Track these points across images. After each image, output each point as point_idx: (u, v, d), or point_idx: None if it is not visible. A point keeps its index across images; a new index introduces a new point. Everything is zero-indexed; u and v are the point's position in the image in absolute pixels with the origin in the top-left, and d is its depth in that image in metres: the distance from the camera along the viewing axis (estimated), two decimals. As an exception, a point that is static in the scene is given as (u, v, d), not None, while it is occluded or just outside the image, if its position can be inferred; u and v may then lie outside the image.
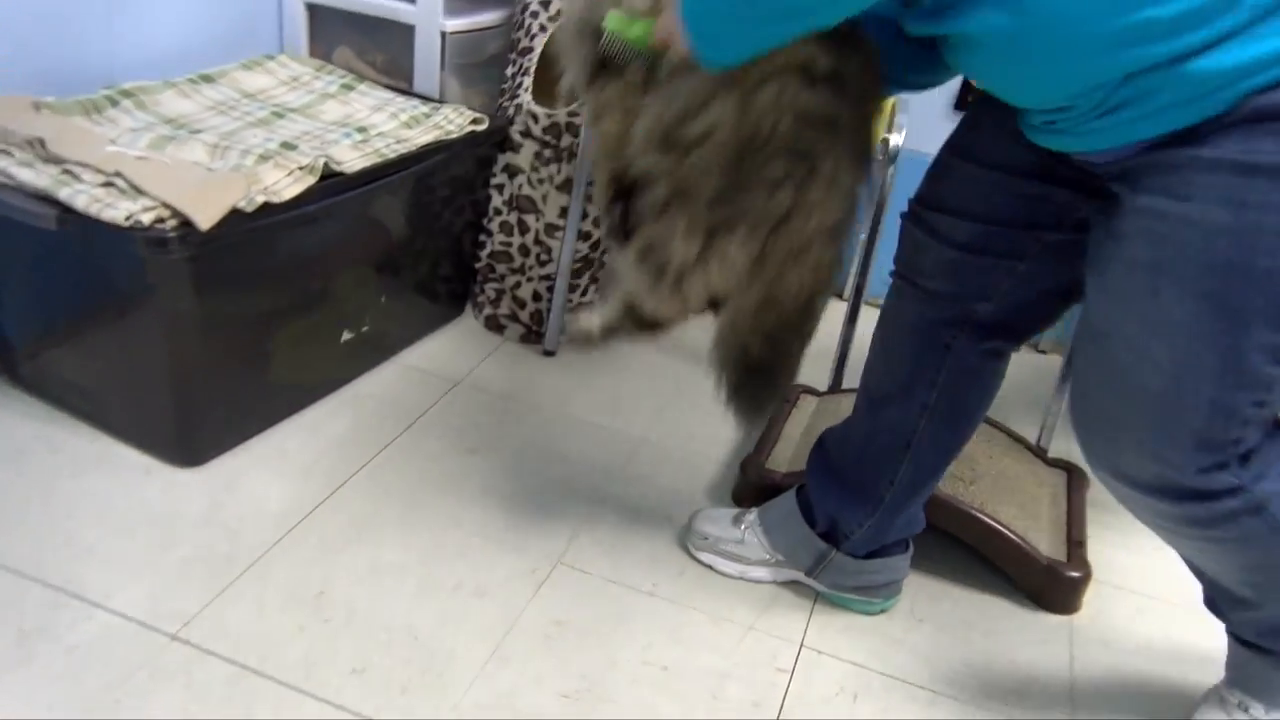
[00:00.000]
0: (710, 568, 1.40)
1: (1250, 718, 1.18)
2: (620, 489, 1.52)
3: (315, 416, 1.58)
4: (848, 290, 1.79)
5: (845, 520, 1.32)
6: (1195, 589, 1.19)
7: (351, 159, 1.49)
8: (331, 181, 1.45)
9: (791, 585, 1.38)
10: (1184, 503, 1.00)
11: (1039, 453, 1.66)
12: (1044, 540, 1.44)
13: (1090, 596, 1.42)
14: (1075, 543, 1.45)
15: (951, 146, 1.19)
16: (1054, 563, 1.40)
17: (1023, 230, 1.12)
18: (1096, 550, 1.49)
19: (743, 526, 1.40)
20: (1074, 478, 1.60)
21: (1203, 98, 0.86)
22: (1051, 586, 1.41)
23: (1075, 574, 1.40)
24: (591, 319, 1.22)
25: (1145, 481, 1.01)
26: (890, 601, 1.38)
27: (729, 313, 1.12)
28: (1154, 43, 0.84)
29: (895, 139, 1.69)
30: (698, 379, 1.80)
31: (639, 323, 1.19)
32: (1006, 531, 1.40)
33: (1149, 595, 1.47)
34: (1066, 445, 1.70)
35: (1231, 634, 1.19)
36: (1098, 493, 1.61)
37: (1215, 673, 1.23)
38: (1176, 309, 0.91)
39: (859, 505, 1.30)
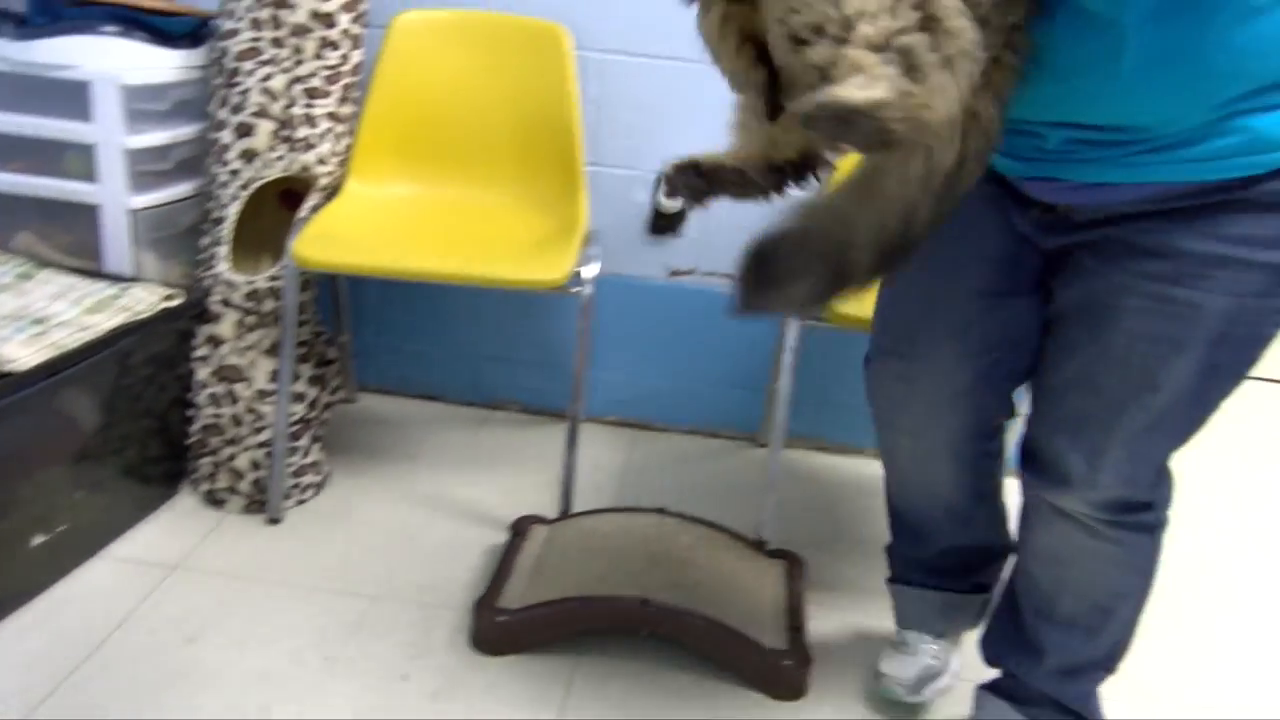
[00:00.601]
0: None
1: None
2: (351, 651, 1.49)
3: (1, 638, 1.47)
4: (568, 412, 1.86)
5: None
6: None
7: (24, 355, 1.43)
8: (1, 382, 1.39)
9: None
10: (1115, 510, 1.17)
11: (758, 545, 1.76)
12: (766, 632, 1.53)
13: (816, 677, 1.51)
14: (794, 629, 1.54)
15: (901, 278, 1.23)
16: (776, 653, 1.49)
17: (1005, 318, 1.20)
18: (821, 632, 1.59)
19: None
20: (792, 566, 1.71)
21: (1251, 155, 0.93)
22: (777, 676, 1.48)
23: (795, 661, 1.49)
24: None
25: (1108, 499, 1.16)
26: None
27: (917, 161, 0.92)
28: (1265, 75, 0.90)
29: (587, 270, 1.78)
30: (431, 527, 1.82)
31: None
32: (727, 630, 1.48)
33: (871, 669, 1.57)
34: (786, 533, 1.82)
35: (999, 691, 1.37)
36: (817, 576, 1.74)
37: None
38: (1184, 375, 1.05)
39: None
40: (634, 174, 2.06)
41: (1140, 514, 1.20)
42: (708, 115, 2.02)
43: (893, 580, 1.52)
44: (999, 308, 1.22)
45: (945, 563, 1.47)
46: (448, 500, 1.90)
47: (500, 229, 1.88)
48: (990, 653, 1.42)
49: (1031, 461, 1.23)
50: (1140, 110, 0.95)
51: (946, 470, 1.36)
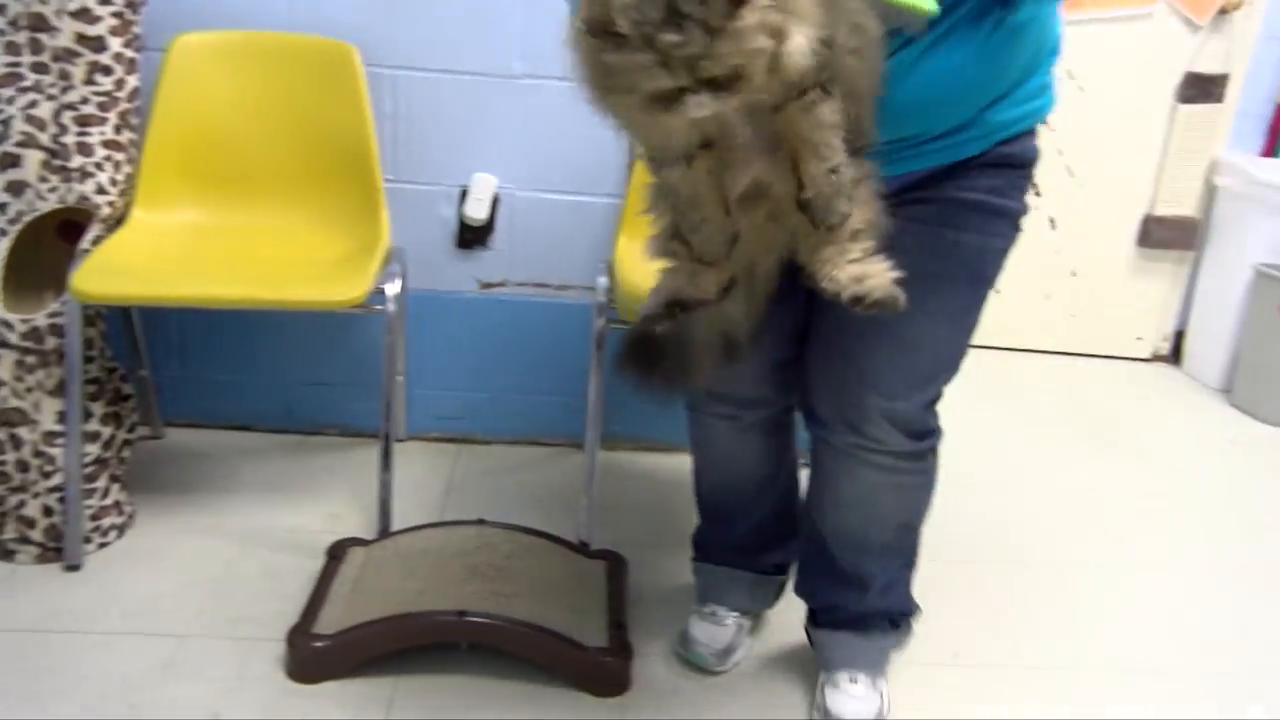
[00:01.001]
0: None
1: (870, 689, 1.48)
2: (158, 695, 1.44)
3: None
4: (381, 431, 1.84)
5: None
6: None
7: None
8: None
9: None
10: (913, 440, 1.34)
11: (581, 548, 1.79)
12: (588, 632, 1.55)
13: (637, 670, 1.55)
14: (616, 626, 1.57)
15: None
16: (597, 650, 1.51)
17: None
18: (639, 626, 1.63)
19: None
20: (614, 564, 1.74)
21: (986, 137, 1.21)
22: (598, 673, 1.51)
23: (616, 657, 1.52)
24: None
25: (904, 431, 1.32)
26: None
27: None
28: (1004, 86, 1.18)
29: (391, 287, 1.77)
30: (246, 560, 1.77)
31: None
32: (546, 634, 1.49)
33: (687, 659, 1.61)
34: (611, 534, 1.85)
35: (836, 625, 1.50)
36: (642, 573, 1.78)
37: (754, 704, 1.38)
38: (952, 306, 1.29)
39: None
40: (438, 189, 2.05)
41: (927, 440, 1.37)
42: (506, 127, 2.05)
43: (700, 559, 1.60)
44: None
45: (750, 541, 1.57)
46: (264, 531, 1.85)
47: (296, 251, 1.85)
48: (817, 599, 1.53)
49: (830, 413, 1.34)
50: (916, 125, 1.19)
51: (761, 442, 1.48)
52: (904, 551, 1.50)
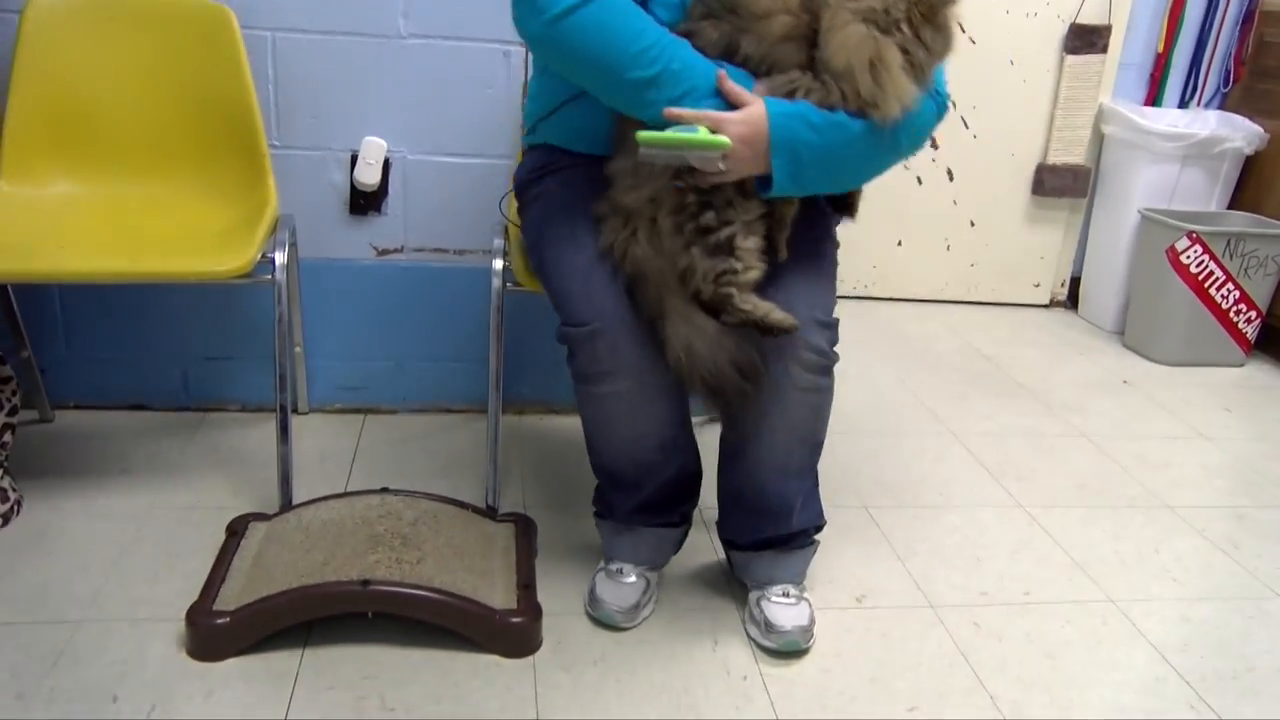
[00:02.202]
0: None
1: (800, 599, 1.55)
2: (50, 684, 1.39)
3: None
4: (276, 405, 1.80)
5: None
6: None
7: None
8: None
9: None
10: (827, 357, 1.43)
11: (489, 512, 1.78)
12: (496, 594, 1.54)
13: (549, 630, 1.55)
14: (524, 587, 1.57)
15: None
16: (505, 612, 1.51)
17: None
18: (550, 587, 1.63)
19: None
20: (522, 527, 1.73)
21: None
22: (506, 634, 1.50)
23: (524, 618, 1.51)
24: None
25: (822, 347, 1.42)
26: None
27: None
28: None
29: (280, 256, 1.72)
30: (144, 541, 1.72)
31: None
32: (452, 598, 1.48)
33: (595, 617, 1.62)
34: (522, 497, 1.84)
35: (761, 546, 1.56)
36: (553, 534, 1.78)
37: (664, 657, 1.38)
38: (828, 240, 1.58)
39: None
40: (328, 154, 2.00)
41: (831, 357, 1.46)
42: (395, 89, 2.01)
43: (602, 517, 1.60)
44: None
45: (657, 499, 1.56)
46: (163, 511, 1.80)
47: (179, 222, 1.79)
48: (746, 537, 1.58)
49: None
50: None
51: (665, 405, 1.48)
52: (815, 467, 1.57)
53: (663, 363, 1.42)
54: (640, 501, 1.58)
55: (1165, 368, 2.85)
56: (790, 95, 1.30)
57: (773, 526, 1.55)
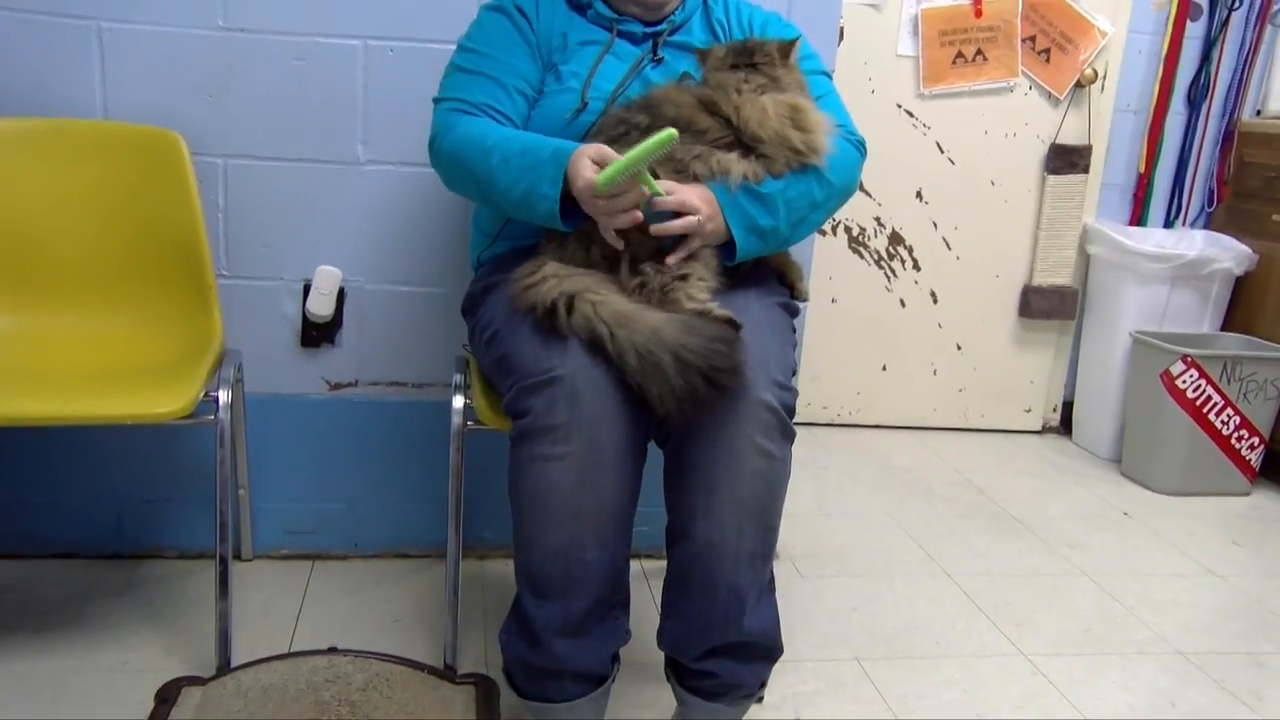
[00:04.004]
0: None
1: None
2: None
3: None
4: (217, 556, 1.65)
5: None
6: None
7: None
8: None
9: None
10: (784, 422, 1.35)
11: (447, 673, 1.62)
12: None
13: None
14: (479, 764, 1.41)
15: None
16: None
17: None
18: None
19: None
20: (483, 691, 1.58)
21: None
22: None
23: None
24: None
25: (785, 405, 1.36)
26: None
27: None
28: None
29: (224, 395, 1.60)
30: (64, 707, 1.56)
31: None
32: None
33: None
34: (481, 650, 1.69)
35: (709, 653, 1.39)
36: (511, 698, 1.60)
37: None
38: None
39: None
40: (279, 284, 1.90)
41: (788, 423, 1.37)
42: (350, 217, 1.92)
43: (528, 698, 1.41)
44: None
45: (592, 612, 1.38)
46: (87, 672, 1.63)
47: (117, 358, 1.68)
48: (694, 643, 1.41)
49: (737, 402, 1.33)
50: None
51: (614, 476, 1.34)
52: (769, 560, 1.43)
53: (620, 422, 1.31)
54: (571, 621, 1.37)
55: (1166, 497, 2.73)
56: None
57: (721, 629, 1.37)
